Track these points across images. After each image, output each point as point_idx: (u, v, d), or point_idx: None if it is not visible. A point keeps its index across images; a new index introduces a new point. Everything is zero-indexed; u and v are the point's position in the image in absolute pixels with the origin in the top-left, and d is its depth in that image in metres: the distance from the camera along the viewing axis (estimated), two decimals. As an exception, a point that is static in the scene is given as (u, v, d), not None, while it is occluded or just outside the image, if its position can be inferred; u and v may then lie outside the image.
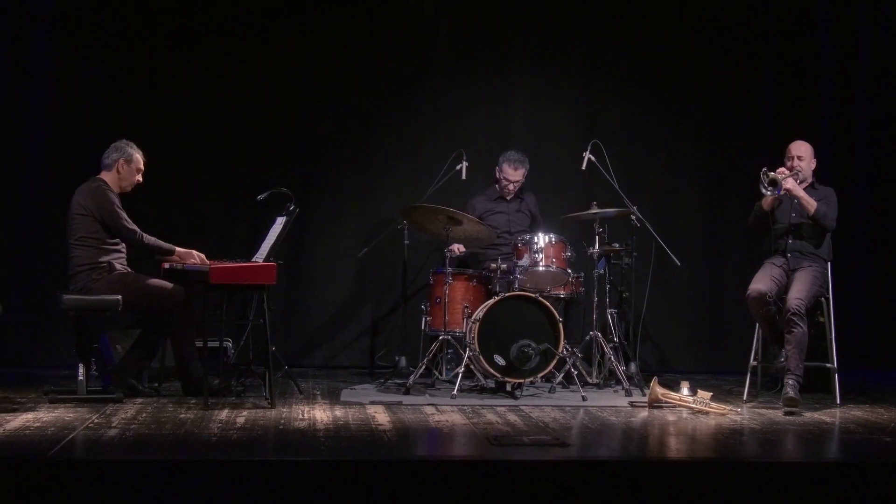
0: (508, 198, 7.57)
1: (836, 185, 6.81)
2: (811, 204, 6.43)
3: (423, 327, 7.16)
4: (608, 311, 7.13)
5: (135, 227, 6.30)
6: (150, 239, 6.34)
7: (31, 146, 7.79)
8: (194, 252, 6.39)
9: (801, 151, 6.57)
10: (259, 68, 7.92)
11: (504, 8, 8.15)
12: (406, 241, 7.52)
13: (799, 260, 6.50)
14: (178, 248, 6.39)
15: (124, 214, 6.29)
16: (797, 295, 6.25)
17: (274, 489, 4.41)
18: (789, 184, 6.40)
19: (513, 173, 7.44)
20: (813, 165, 6.60)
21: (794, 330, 6.21)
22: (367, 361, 8.01)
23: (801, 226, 6.51)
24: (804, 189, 6.53)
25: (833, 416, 6.10)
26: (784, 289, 6.43)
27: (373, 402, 6.25)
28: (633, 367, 7.15)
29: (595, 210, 6.94)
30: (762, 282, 6.38)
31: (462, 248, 7.27)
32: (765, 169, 6.40)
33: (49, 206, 7.48)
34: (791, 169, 6.52)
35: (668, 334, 8.21)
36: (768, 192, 6.37)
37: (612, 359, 6.86)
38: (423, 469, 4.60)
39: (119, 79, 7.76)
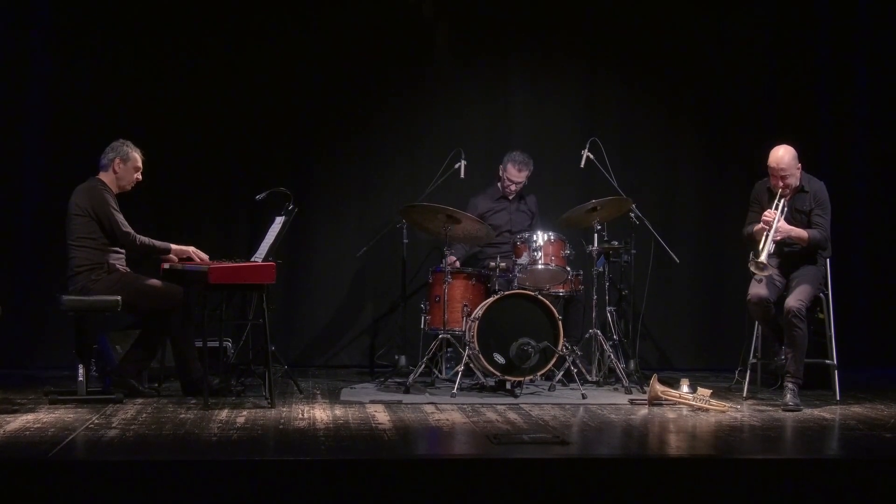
0: (510, 197, 7.56)
1: (836, 180, 6.80)
2: (802, 238, 6.31)
3: (422, 326, 7.16)
4: (607, 308, 7.13)
5: (129, 229, 6.30)
6: (143, 240, 6.33)
7: (30, 147, 7.78)
8: (190, 248, 6.40)
9: (784, 168, 6.28)
10: (258, 68, 7.92)
11: (502, 7, 8.15)
12: (405, 240, 7.52)
13: (797, 261, 6.47)
14: (173, 246, 6.40)
15: (121, 217, 6.29)
16: (797, 296, 6.21)
17: (274, 489, 4.42)
18: (779, 235, 6.24)
19: (517, 174, 7.44)
20: (799, 169, 6.40)
21: (795, 332, 6.18)
22: (367, 360, 8.00)
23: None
24: (796, 192, 6.44)
25: (833, 412, 6.10)
26: (783, 288, 6.41)
27: (373, 402, 6.25)
28: (632, 364, 7.16)
29: (592, 201, 6.89)
30: (761, 286, 6.34)
31: (457, 263, 7.24)
32: (752, 255, 6.24)
33: (48, 207, 7.47)
34: (777, 188, 6.35)
35: (667, 332, 8.21)
36: (758, 277, 6.28)
37: (612, 356, 6.87)
38: (423, 468, 4.60)
39: (118, 79, 7.76)
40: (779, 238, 6.26)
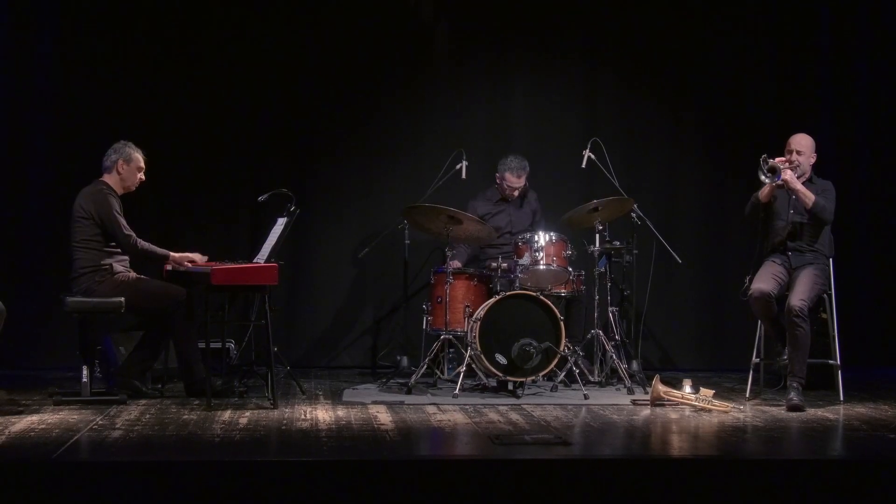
0: (510, 199, 7.56)
1: (839, 180, 6.79)
2: (809, 197, 6.35)
3: (424, 327, 7.16)
4: (609, 309, 7.13)
5: (131, 232, 6.31)
6: (143, 245, 6.34)
7: (34, 148, 7.80)
8: (188, 255, 6.40)
9: (801, 145, 6.47)
10: (259, 69, 7.93)
11: (503, 7, 8.15)
12: (407, 241, 7.53)
13: (800, 257, 6.47)
14: (172, 254, 6.40)
15: (123, 220, 6.30)
16: (800, 296, 6.22)
17: (277, 489, 4.43)
18: (787, 175, 6.31)
19: (515, 181, 7.43)
20: (813, 160, 6.51)
21: (797, 331, 6.18)
22: (369, 361, 8.02)
23: (802, 224, 6.48)
24: (802, 183, 6.49)
25: (836, 412, 6.10)
26: (786, 286, 6.42)
27: (375, 402, 6.26)
28: (634, 364, 7.16)
29: (594, 201, 6.89)
30: (764, 281, 6.35)
31: (458, 265, 7.23)
32: (764, 156, 6.34)
33: (52, 208, 7.51)
34: (789, 162, 6.47)
35: (669, 332, 8.21)
36: (767, 180, 6.32)
37: (614, 357, 6.87)
38: (425, 469, 4.61)
39: (121, 80, 7.78)
40: (787, 177, 6.30)
